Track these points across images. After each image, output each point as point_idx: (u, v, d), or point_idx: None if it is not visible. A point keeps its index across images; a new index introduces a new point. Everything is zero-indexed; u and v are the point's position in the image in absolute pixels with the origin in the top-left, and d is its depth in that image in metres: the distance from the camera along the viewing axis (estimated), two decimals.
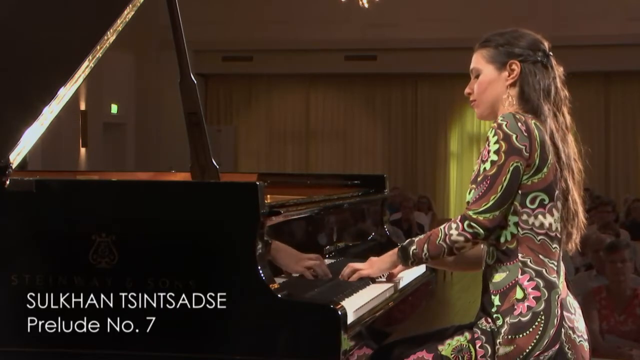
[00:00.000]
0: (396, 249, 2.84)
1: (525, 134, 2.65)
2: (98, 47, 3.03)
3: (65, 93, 2.92)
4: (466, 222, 2.64)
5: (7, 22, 3.22)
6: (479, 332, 2.71)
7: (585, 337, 2.73)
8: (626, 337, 5.35)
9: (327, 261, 3.32)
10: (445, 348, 2.74)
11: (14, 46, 3.16)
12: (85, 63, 2.99)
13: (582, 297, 5.43)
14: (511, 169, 2.63)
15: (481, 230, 2.63)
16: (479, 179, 2.67)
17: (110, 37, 3.09)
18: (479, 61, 2.83)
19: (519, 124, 2.65)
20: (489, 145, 2.66)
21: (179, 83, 3.59)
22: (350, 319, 2.61)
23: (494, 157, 2.64)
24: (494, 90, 2.80)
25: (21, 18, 3.25)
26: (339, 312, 2.52)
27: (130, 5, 3.17)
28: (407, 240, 2.81)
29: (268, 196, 2.98)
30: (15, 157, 2.76)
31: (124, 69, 14.12)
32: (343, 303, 2.63)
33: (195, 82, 3.59)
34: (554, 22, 14.00)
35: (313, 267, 3.09)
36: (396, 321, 3.28)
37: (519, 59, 2.77)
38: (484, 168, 2.66)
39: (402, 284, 3.21)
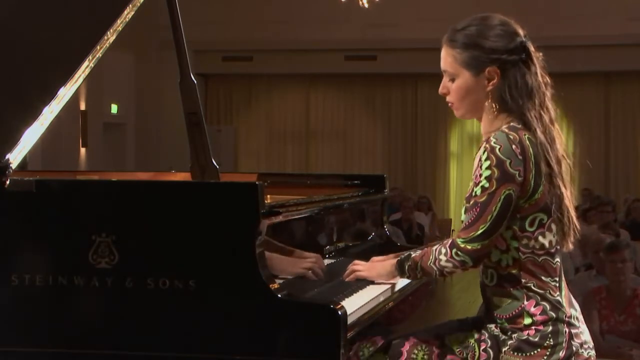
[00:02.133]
0: (395, 261, 2.79)
1: (520, 157, 2.53)
2: (98, 47, 3.03)
3: (65, 93, 2.92)
4: (454, 250, 2.57)
5: (7, 22, 3.22)
6: (486, 334, 2.66)
7: (592, 345, 2.68)
8: (626, 337, 5.35)
9: (327, 261, 3.32)
10: (453, 340, 2.71)
11: (14, 46, 3.16)
12: (85, 63, 2.99)
13: (582, 297, 5.44)
14: (502, 197, 2.51)
15: (469, 259, 2.56)
16: (470, 203, 2.57)
17: (110, 37, 3.09)
18: (450, 64, 2.66)
19: (513, 147, 2.53)
20: (480, 168, 2.54)
21: (179, 83, 3.59)
22: (350, 319, 2.60)
23: (485, 184, 2.53)
24: (473, 96, 2.65)
25: (21, 18, 3.25)
26: (339, 312, 2.52)
27: (130, 5, 3.17)
28: (405, 255, 2.76)
29: (268, 196, 2.98)
30: (15, 157, 2.76)
31: (124, 69, 14.12)
32: (343, 303, 2.62)
33: (195, 82, 3.58)
34: (554, 22, 14.01)
35: (311, 268, 3.09)
36: (396, 321, 3.28)
37: (496, 65, 2.60)
38: (475, 192, 2.55)
39: (401, 284, 3.21)
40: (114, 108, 14.50)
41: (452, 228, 13.31)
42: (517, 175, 2.53)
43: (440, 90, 2.73)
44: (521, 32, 2.66)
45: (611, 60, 14.41)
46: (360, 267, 2.96)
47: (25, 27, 3.22)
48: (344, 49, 15.11)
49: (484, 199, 2.53)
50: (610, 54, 14.32)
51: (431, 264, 2.63)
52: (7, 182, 2.70)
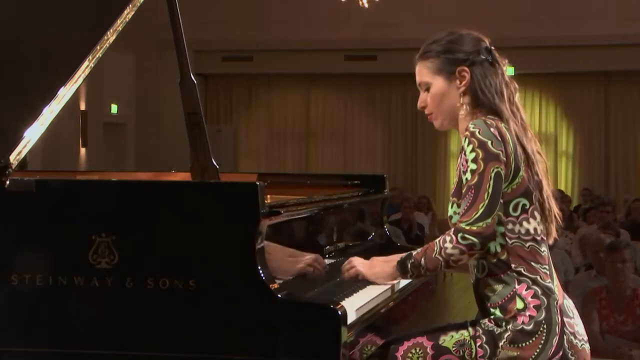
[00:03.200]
0: (396, 262, 2.76)
1: (499, 139, 2.61)
2: (98, 47, 3.03)
3: (65, 93, 2.92)
4: (459, 235, 2.58)
5: (8, 22, 3.22)
6: (480, 330, 2.69)
7: (586, 338, 2.73)
8: (626, 337, 5.35)
9: (327, 261, 3.32)
10: (447, 339, 2.72)
11: (14, 46, 3.16)
12: (85, 63, 2.99)
13: (582, 297, 5.45)
14: (492, 174, 2.58)
15: (476, 240, 2.57)
16: (463, 191, 2.62)
17: (110, 37, 3.09)
18: (425, 74, 2.78)
19: (492, 129, 2.61)
20: (465, 155, 2.61)
21: (179, 83, 3.60)
22: (350, 319, 2.60)
23: (473, 166, 2.59)
24: (448, 100, 2.75)
25: (21, 18, 3.25)
26: (339, 312, 2.52)
27: (130, 5, 3.17)
28: (406, 254, 2.74)
29: (268, 196, 2.98)
30: (15, 157, 2.76)
31: (124, 69, 14.11)
32: (343, 303, 2.63)
33: (195, 82, 3.59)
34: (554, 22, 14.01)
35: (312, 265, 3.09)
36: (396, 321, 3.28)
37: (466, 64, 2.73)
38: (466, 179, 2.61)
39: (402, 284, 3.21)
40: (114, 108, 14.50)
41: None
42: (501, 154, 2.60)
43: (419, 104, 2.83)
44: (486, 40, 2.80)
45: (611, 60, 14.40)
46: (358, 262, 2.91)
47: (25, 27, 3.22)
48: (344, 49, 15.11)
49: (475, 180, 2.58)
50: (610, 54, 14.30)
51: (436, 256, 2.62)
52: (7, 182, 2.70)
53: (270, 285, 2.57)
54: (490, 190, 2.57)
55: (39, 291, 2.66)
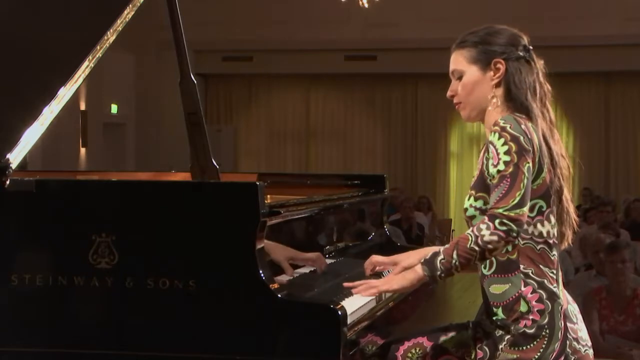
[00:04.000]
0: (418, 266, 2.65)
1: (529, 136, 2.59)
2: (98, 47, 3.03)
3: (65, 93, 2.92)
4: (497, 221, 2.50)
5: (8, 22, 3.22)
6: (481, 332, 2.67)
7: (589, 344, 2.69)
8: (626, 337, 5.35)
9: (327, 261, 3.32)
10: (447, 340, 2.71)
11: (14, 46, 3.16)
12: (85, 63, 2.99)
13: (582, 297, 5.44)
14: (525, 167, 2.55)
15: (514, 226, 2.50)
16: (493, 181, 2.56)
17: (110, 37, 3.09)
18: (459, 62, 2.76)
19: (522, 126, 2.60)
20: (496, 149, 2.57)
21: (179, 83, 3.60)
22: (350, 319, 2.60)
23: (506, 158, 2.55)
24: (480, 91, 2.73)
25: (21, 18, 3.25)
26: (339, 312, 2.52)
27: (130, 5, 3.17)
28: (431, 254, 2.63)
29: (268, 196, 2.98)
30: (15, 157, 2.76)
31: (124, 69, 14.12)
32: (343, 303, 2.62)
33: (195, 82, 3.59)
34: (553, 22, 14.00)
35: (314, 259, 3.10)
36: (396, 321, 3.28)
37: (502, 57, 2.71)
38: (498, 170, 2.55)
39: None
40: (114, 108, 14.50)
41: (452, 228, 13.31)
42: (531, 151, 2.58)
43: (449, 93, 2.79)
44: (526, 39, 2.78)
45: (611, 60, 14.39)
46: (377, 283, 2.78)
47: (25, 27, 3.22)
48: (344, 49, 15.11)
49: (510, 169, 2.54)
50: (610, 54, 14.30)
51: (471, 245, 2.52)
52: (7, 182, 2.70)
53: (270, 285, 2.56)
54: (525, 181, 2.54)
55: (39, 291, 2.66)
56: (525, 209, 2.53)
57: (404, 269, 2.79)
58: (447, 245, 2.61)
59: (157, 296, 2.60)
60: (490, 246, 2.51)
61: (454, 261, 2.55)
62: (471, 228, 2.57)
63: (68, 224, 2.70)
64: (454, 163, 16.11)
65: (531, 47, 2.77)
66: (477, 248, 2.52)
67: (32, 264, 2.67)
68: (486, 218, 2.54)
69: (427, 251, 2.77)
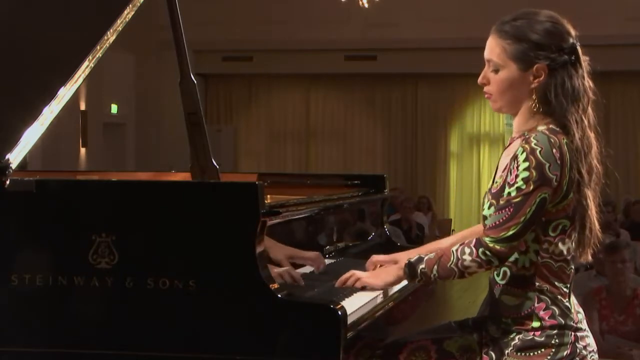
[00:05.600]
0: (403, 263, 2.68)
1: (559, 162, 2.47)
2: (98, 47, 3.03)
3: (65, 93, 2.92)
4: (481, 249, 2.49)
5: (8, 22, 3.22)
6: (488, 337, 2.63)
7: (596, 349, 2.65)
8: (626, 337, 5.35)
9: (327, 261, 3.32)
10: (452, 344, 2.68)
11: (14, 46, 3.16)
12: (85, 63, 2.99)
13: (582, 297, 5.43)
14: (538, 200, 2.45)
15: (496, 260, 2.49)
16: (501, 202, 2.49)
17: (110, 37, 3.09)
18: (498, 54, 2.58)
19: (554, 150, 2.48)
20: (517, 169, 2.47)
21: (179, 83, 3.59)
22: (350, 319, 2.60)
23: (522, 185, 2.45)
24: (515, 91, 2.58)
25: (21, 18, 3.25)
26: (339, 313, 2.51)
27: (130, 5, 3.17)
28: (416, 257, 2.64)
29: (268, 196, 2.98)
30: (15, 157, 2.76)
31: (124, 69, 14.12)
32: (343, 303, 2.62)
33: (195, 82, 3.59)
34: None
35: (313, 259, 3.10)
36: (396, 321, 3.28)
37: (546, 63, 2.55)
38: (509, 193, 2.47)
39: (401, 284, 3.21)
40: (114, 108, 14.50)
41: (452, 228, 13.29)
42: (554, 180, 2.47)
43: (480, 80, 2.63)
44: (573, 32, 2.64)
45: (611, 60, 14.37)
46: (363, 274, 2.83)
47: (25, 27, 3.22)
48: (344, 49, 15.12)
49: (518, 199, 2.46)
50: (610, 54, 14.29)
51: (452, 266, 2.53)
52: (7, 182, 2.70)
53: (270, 285, 2.56)
54: (528, 216, 2.46)
55: (39, 291, 2.66)
56: (515, 243, 2.48)
57: None
58: (431, 255, 2.61)
59: (157, 296, 2.60)
60: (469, 270, 2.53)
61: (433, 273, 2.58)
62: (457, 246, 2.56)
63: (68, 224, 2.70)
64: (454, 163, 16.11)
65: (578, 43, 2.63)
66: (455, 269, 2.54)
67: (32, 264, 2.67)
68: (473, 241, 2.53)
69: (427, 249, 2.77)
